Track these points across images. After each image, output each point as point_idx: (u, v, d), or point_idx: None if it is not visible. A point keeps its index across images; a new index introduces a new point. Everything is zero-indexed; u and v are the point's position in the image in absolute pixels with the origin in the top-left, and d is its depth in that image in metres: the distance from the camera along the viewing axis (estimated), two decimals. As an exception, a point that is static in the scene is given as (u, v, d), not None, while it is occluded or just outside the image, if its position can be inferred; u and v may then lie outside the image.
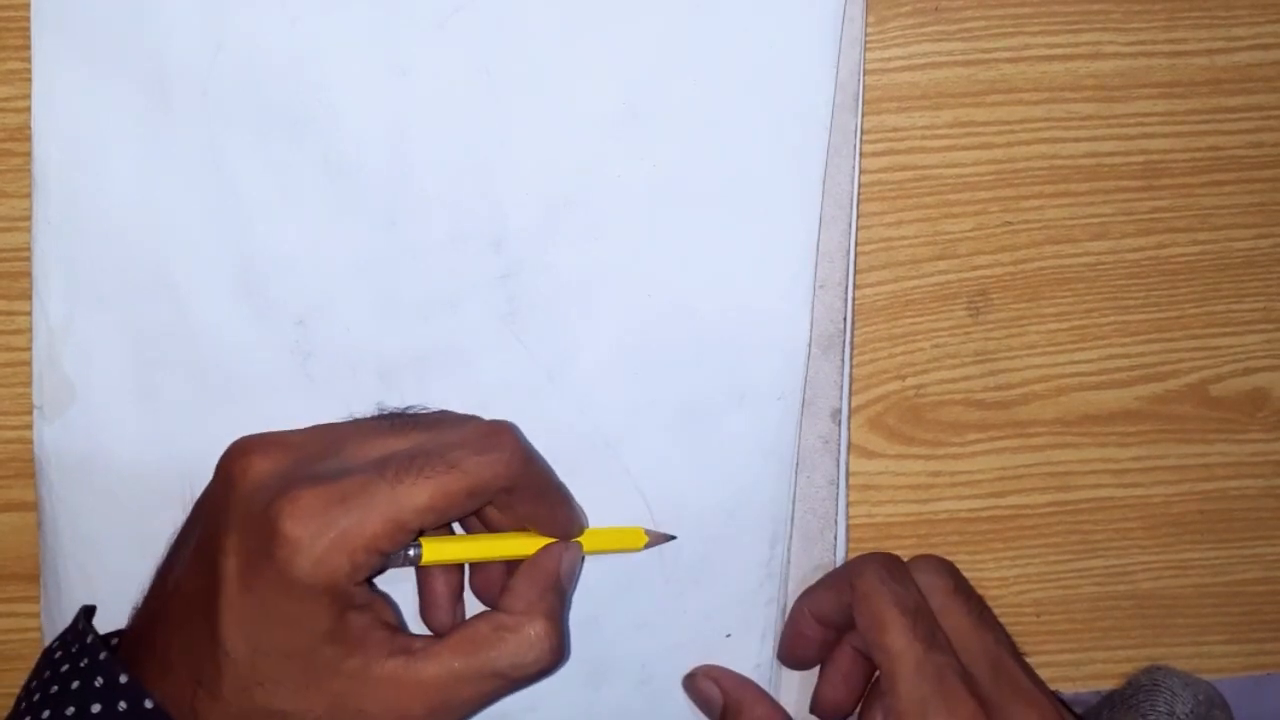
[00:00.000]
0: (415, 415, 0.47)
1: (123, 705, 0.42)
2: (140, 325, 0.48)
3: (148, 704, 0.42)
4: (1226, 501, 0.54)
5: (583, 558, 0.48)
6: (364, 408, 0.49)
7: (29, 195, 0.48)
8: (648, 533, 0.50)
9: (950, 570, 0.48)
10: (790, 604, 0.51)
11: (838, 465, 0.51)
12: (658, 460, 0.50)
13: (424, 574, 0.48)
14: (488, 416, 0.49)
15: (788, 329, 0.50)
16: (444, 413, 0.47)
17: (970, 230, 0.52)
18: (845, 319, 0.50)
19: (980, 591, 0.52)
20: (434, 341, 0.49)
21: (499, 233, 0.49)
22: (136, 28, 0.47)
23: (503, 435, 0.44)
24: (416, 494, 0.42)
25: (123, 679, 0.43)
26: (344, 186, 0.48)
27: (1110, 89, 0.52)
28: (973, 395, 0.53)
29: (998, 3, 0.51)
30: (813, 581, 0.51)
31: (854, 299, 0.51)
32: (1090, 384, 0.53)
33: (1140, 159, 0.52)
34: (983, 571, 0.54)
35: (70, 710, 0.42)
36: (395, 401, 0.49)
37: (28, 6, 0.47)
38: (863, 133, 0.50)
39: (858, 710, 0.50)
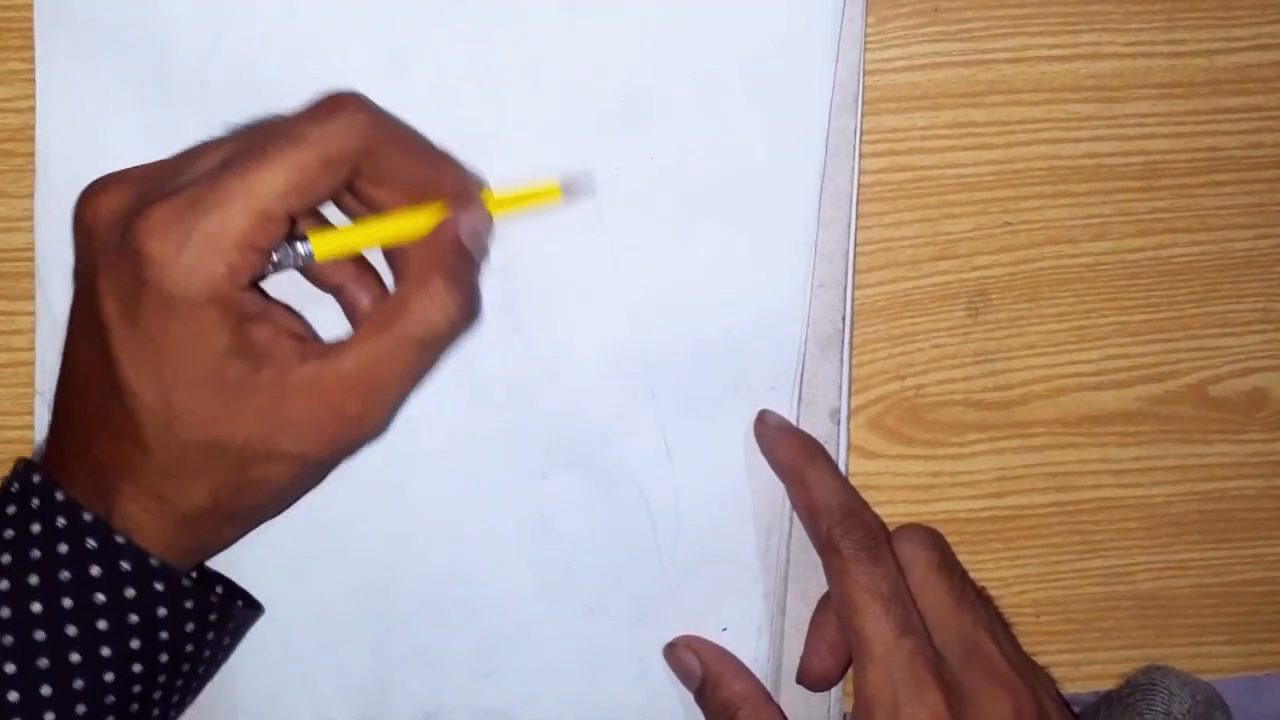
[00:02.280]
0: (259, 119, 0.45)
1: (36, 502, 0.42)
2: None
3: (58, 495, 0.42)
4: (1226, 502, 0.54)
5: (490, 220, 0.46)
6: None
7: (30, 196, 0.48)
8: (563, 181, 0.47)
9: (936, 542, 0.48)
10: (789, 603, 0.51)
11: (836, 464, 0.51)
12: (654, 452, 0.50)
13: (345, 296, 0.46)
14: (486, 411, 0.50)
15: (783, 323, 0.50)
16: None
17: (970, 231, 0.52)
18: (844, 319, 0.50)
19: (979, 592, 0.52)
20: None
21: (496, 225, 0.49)
22: (136, 19, 0.47)
23: (344, 99, 0.42)
24: (269, 177, 0.40)
25: (36, 478, 0.42)
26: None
27: (1110, 89, 0.52)
28: (972, 396, 0.53)
29: (997, 3, 0.51)
30: (813, 581, 0.51)
31: (853, 299, 0.51)
32: (1090, 384, 0.53)
33: (1140, 159, 0.52)
34: (982, 572, 0.54)
35: None
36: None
37: (29, 7, 0.48)
38: (862, 133, 0.50)
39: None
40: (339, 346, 0.43)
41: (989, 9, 0.51)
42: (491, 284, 0.49)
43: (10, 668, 0.41)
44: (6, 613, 0.41)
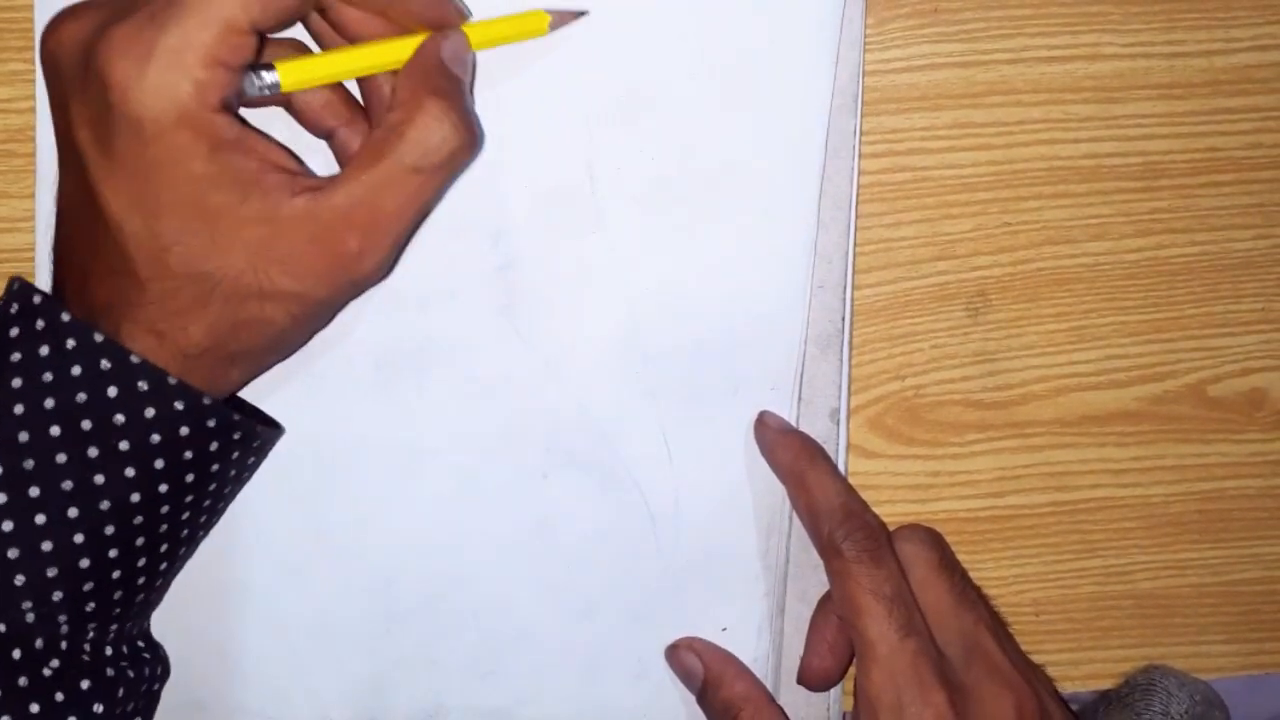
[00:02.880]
0: None
1: (40, 324, 0.41)
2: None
3: (64, 316, 0.41)
4: (1225, 501, 0.54)
5: (473, 53, 0.45)
6: (362, 403, 0.49)
7: (31, 196, 0.48)
8: (551, 12, 0.46)
9: (936, 542, 0.48)
10: (789, 602, 0.51)
11: (836, 466, 0.51)
12: (654, 451, 0.50)
13: (337, 141, 0.45)
14: (486, 411, 0.50)
15: (783, 323, 0.50)
16: None
17: (969, 231, 0.52)
18: (844, 319, 0.50)
19: (979, 592, 0.52)
20: (432, 333, 0.49)
21: (497, 225, 0.49)
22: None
23: None
24: None
25: (36, 299, 0.41)
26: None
27: (1109, 90, 0.52)
28: (971, 396, 0.53)
29: (997, 4, 0.51)
30: (813, 581, 0.51)
31: (853, 300, 0.51)
32: (1089, 384, 0.53)
33: (1139, 160, 0.52)
34: (982, 571, 0.54)
35: None
36: (391, 394, 0.49)
37: (29, 8, 0.48)
38: (862, 134, 0.50)
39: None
40: (333, 180, 0.42)
41: (988, 10, 0.51)
42: (492, 285, 0.49)
43: (34, 491, 0.41)
44: (25, 437, 0.41)
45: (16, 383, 0.41)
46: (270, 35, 0.43)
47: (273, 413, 0.48)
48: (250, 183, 0.41)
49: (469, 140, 0.43)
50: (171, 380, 0.41)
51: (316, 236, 0.41)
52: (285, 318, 0.43)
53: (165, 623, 0.47)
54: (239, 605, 0.50)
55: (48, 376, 0.41)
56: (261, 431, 0.45)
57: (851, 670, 0.49)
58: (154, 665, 0.46)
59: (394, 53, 0.43)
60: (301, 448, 0.49)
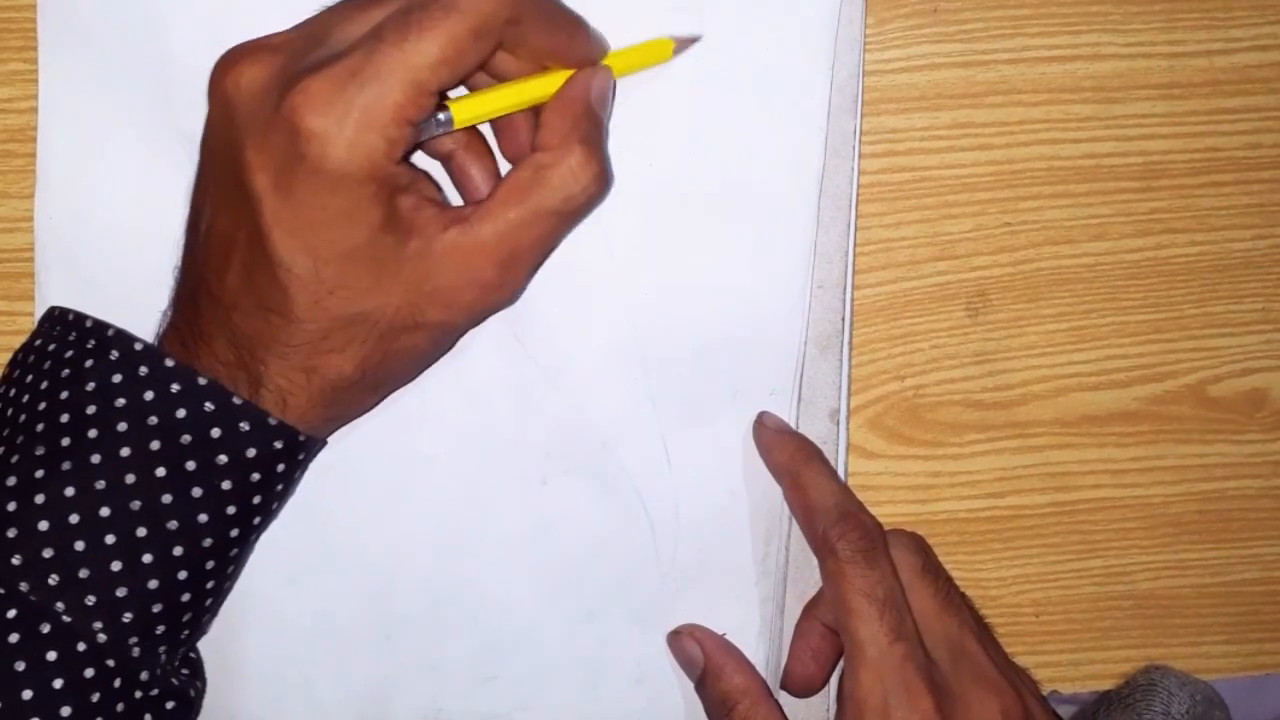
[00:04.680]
0: None
1: (144, 370, 0.42)
2: (141, 320, 0.48)
3: (168, 361, 0.42)
4: (1225, 502, 0.54)
5: (613, 83, 0.46)
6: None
7: (31, 196, 0.48)
8: (674, 39, 0.48)
9: (920, 547, 0.48)
10: (788, 606, 0.51)
11: (836, 466, 0.51)
12: (653, 457, 0.50)
13: (455, 163, 0.46)
14: (486, 417, 0.50)
15: (783, 323, 0.50)
16: None
17: (969, 231, 0.52)
18: (844, 319, 0.50)
19: (979, 592, 0.53)
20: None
21: None
22: (138, 21, 0.47)
23: None
24: (424, 48, 0.40)
25: (137, 346, 0.42)
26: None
27: (1109, 90, 0.52)
28: (972, 396, 0.53)
29: (996, 4, 0.51)
30: (811, 584, 0.51)
31: (853, 300, 0.51)
32: (1089, 384, 0.53)
33: (1139, 160, 0.52)
34: (982, 572, 0.54)
35: (119, 394, 0.42)
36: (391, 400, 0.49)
37: (31, 8, 0.48)
38: (862, 134, 0.50)
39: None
40: (478, 213, 0.43)
41: (988, 10, 0.51)
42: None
43: (141, 531, 0.41)
44: (131, 479, 0.41)
45: (122, 427, 0.41)
46: None
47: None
48: (411, 222, 0.42)
49: (606, 187, 0.44)
50: (272, 421, 0.42)
51: (464, 268, 0.43)
52: (428, 345, 0.44)
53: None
54: (239, 612, 0.49)
55: (153, 419, 0.42)
56: (319, 446, 0.47)
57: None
58: (202, 669, 0.47)
59: (547, 86, 0.45)
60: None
